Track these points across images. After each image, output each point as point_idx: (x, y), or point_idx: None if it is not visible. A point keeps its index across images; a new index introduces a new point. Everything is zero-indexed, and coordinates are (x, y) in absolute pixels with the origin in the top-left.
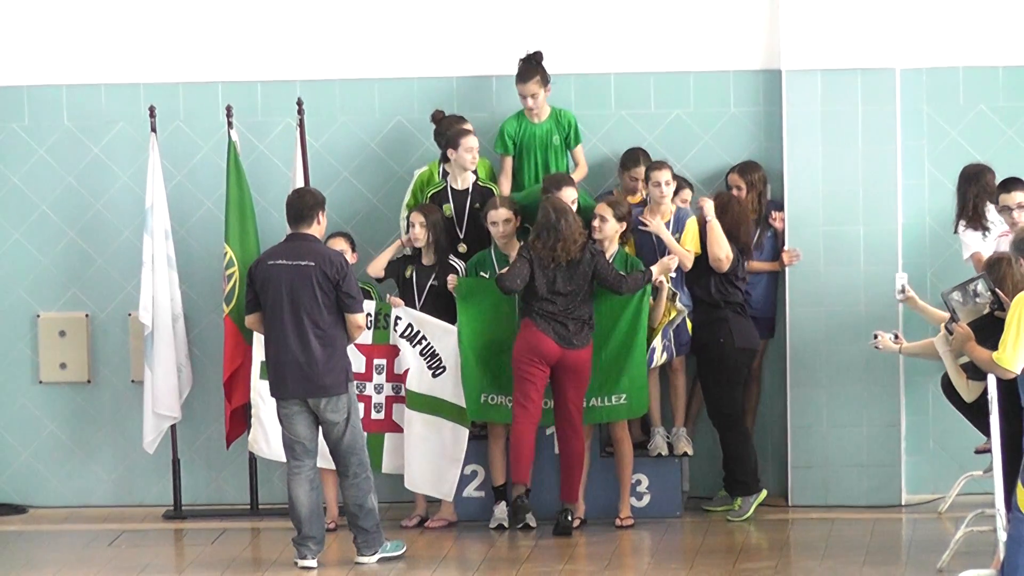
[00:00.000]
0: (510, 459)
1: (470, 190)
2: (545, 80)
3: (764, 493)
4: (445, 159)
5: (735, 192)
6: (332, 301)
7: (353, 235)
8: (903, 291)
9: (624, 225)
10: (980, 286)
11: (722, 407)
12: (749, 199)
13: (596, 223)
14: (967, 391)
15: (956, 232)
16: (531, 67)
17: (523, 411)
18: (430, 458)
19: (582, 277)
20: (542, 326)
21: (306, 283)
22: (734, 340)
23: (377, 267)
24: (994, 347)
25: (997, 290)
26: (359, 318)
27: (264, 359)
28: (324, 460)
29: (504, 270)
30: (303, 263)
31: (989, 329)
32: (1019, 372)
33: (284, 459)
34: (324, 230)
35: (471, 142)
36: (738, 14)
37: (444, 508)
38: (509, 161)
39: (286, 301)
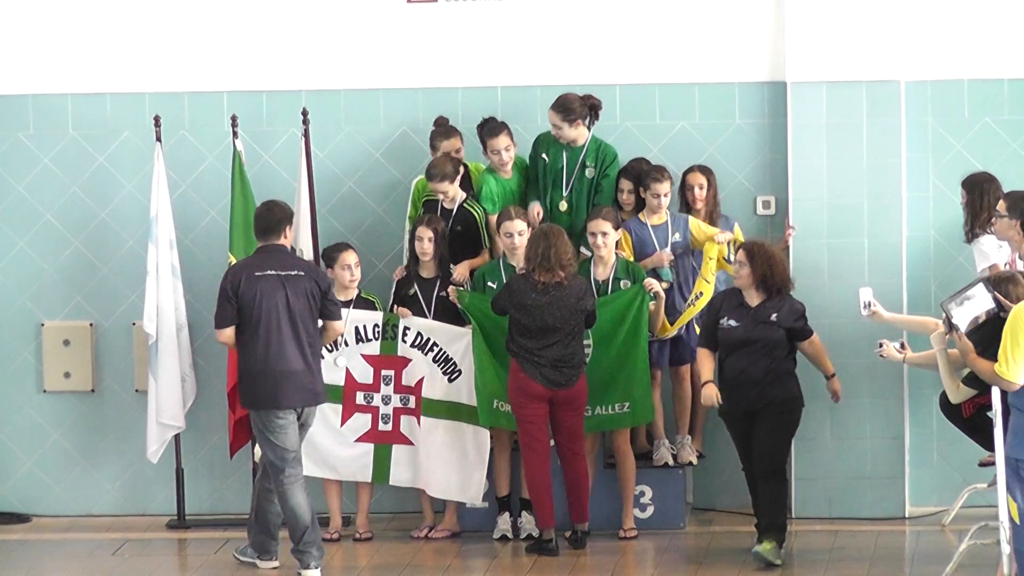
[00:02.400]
0: (534, 505)
1: (454, 212)
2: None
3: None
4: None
5: (698, 190)
6: (318, 310)
7: (358, 245)
8: (868, 306)
9: (621, 232)
10: (977, 290)
11: (779, 457)
12: (710, 196)
13: (598, 240)
14: (955, 393)
15: (969, 242)
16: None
17: (532, 453)
18: (455, 464)
19: (569, 311)
20: (529, 371)
21: (300, 293)
22: (801, 392)
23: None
24: (995, 357)
25: (999, 296)
26: (341, 325)
27: (249, 371)
28: (328, 469)
29: (494, 297)
30: (294, 273)
31: (993, 338)
32: (1021, 383)
33: None
34: (290, 244)
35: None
36: (743, 26)
37: (448, 518)
38: (494, 219)
39: (283, 311)
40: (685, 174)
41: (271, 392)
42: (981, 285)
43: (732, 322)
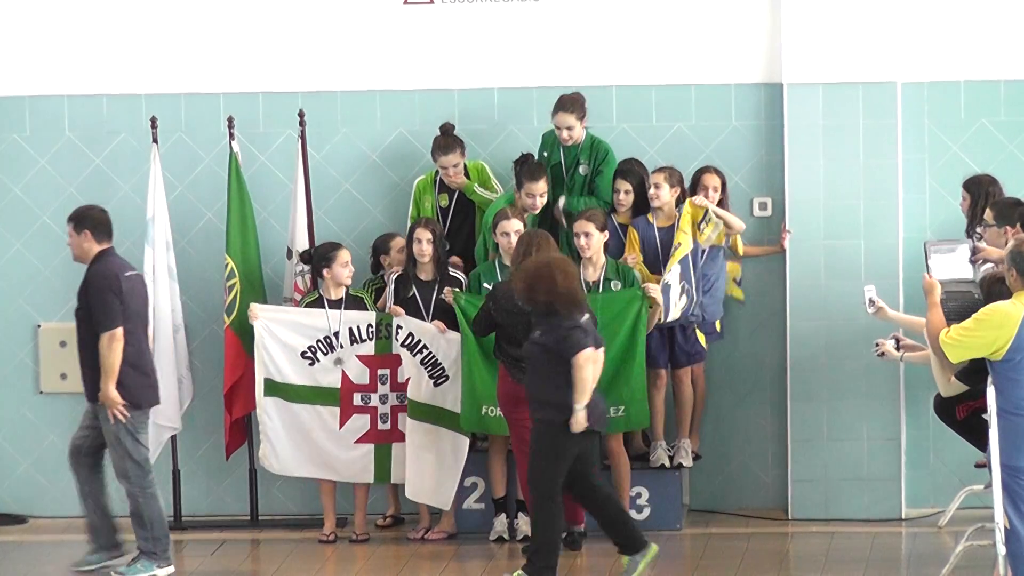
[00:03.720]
0: (530, 509)
1: (451, 209)
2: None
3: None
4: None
5: (712, 192)
6: None
7: (354, 247)
8: (872, 303)
9: (607, 234)
10: (961, 249)
11: (532, 477)
12: (724, 197)
13: (582, 241)
14: (946, 387)
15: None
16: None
17: (525, 455)
18: (429, 467)
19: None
20: (516, 375)
21: (147, 295)
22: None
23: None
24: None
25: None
26: None
27: (134, 369)
28: (329, 471)
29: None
30: (139, 273)
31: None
32: (954, 361)
33: (296, 473)
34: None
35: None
36: (740, 27)
37: (444, 520)
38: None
39: (144, 312)
40: (700, 174)
41: (149, 388)
42: (966, 246)
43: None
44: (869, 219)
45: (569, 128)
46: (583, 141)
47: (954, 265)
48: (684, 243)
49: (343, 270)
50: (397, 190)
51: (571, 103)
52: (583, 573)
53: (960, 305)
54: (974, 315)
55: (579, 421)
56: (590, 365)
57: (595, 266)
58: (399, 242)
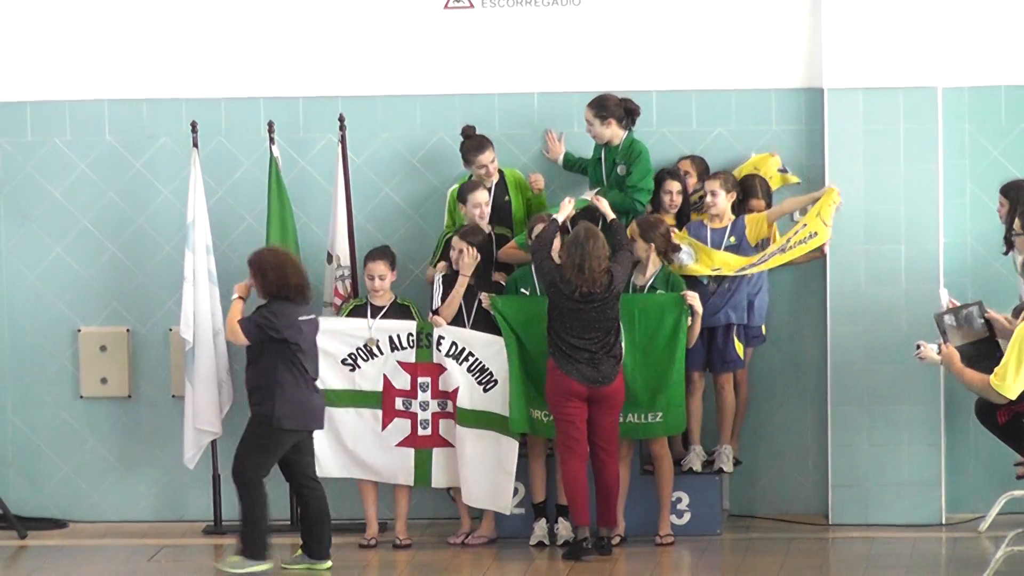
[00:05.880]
0: (568, 503)
1: (493, 237)
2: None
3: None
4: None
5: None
6: None
7: (394, 251)
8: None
9: (652, 246)
10: (975, 312)
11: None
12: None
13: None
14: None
15: (1007, 252)
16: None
17: (570, 453)
18: (486, 473)
19: (609, 308)
20: (566, 367)
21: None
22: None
23: (449, 312)
24: (988, 371)
25: (989, 317)
26: None
27: None
28: (369, 472)
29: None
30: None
31: (985, 352)
32: (1014, 398)
33: (337, 475)
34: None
35: (479, 197)
36: (780, 32)
37: (485, 525)
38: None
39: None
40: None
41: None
42: (976, 308)
43: None
44: (909, 224)
45: (589, 124)
46: (622, 143)
47: (969, 331)
48: (822, 234)
49: (367, 280)
50: (437, 194)
51: (594, 101)
52: None
53: (983, 350)
54: (1011, 345)
55: None
56: None
57: (645, 271)
58: (370, 268)
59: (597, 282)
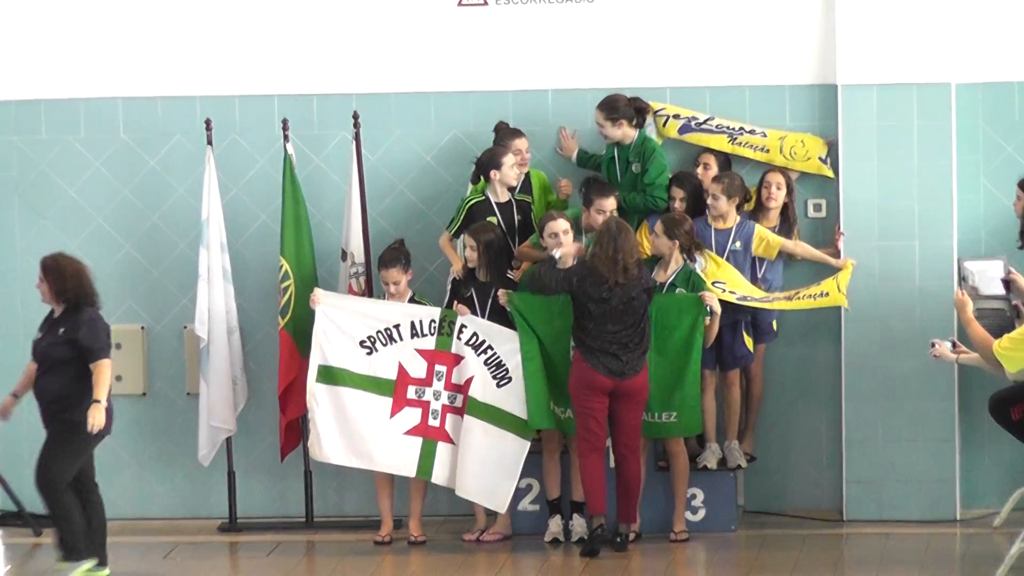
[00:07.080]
0: (585, 492)
1: (513, 203)
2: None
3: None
4: (476, 179)
5: (775, 189)
6: None
7: (408, 248)
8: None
9: (677, 243)
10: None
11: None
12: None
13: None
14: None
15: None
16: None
17: (589, 445)
18: (487, 468)
19: (639, 303)
20: (591, 360)
21: None
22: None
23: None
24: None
25: (1011, 277)
26: None
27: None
28: (366, 459)
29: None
30: None
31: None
32: (1013, 371)
33: (338, 462)
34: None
35: (510, 159)
36: (794, 28)
37: (499, 522)
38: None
39: None
40: (765, 173)
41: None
42: (1000, 263)
43: None
44: (923, 220)
45: (600, 126)
46: (635, 140)
47: (988, 281)
48: (833, 297)
49: (384, 286)
50: (452, 191)
51: (603, 103)
52: (636, 575)
53: (991, 323)
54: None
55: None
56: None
57: (667, 268)
58: (384, 275)
59: (630, 272)
